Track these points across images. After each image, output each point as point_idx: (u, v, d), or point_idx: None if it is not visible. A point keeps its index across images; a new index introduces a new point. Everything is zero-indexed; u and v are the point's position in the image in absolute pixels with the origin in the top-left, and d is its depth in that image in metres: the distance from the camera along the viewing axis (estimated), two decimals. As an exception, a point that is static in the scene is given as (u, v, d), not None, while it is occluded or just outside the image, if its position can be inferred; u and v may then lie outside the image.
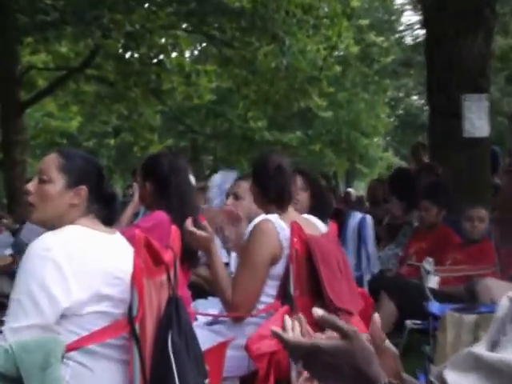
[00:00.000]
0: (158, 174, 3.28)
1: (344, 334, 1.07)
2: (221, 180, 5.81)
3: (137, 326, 1.93)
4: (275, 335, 1.12)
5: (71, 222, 2.13)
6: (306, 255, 2.82)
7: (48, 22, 8.40)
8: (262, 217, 2.80)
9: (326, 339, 1.10)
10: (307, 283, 2.83)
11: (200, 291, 3.78)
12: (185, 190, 3.28)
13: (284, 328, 1.15)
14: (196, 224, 2.80)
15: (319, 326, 1.12)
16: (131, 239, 2.06)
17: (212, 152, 20.98)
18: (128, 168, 17.49)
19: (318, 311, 1.09)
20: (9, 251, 5.24)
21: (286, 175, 2.89)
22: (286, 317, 1.19)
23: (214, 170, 24.01)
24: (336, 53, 14.55)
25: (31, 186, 2.16)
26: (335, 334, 1.09)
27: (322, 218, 3.32)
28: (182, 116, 16.65)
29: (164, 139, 18.06)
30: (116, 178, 21.82)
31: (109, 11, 7.86)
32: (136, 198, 3.63)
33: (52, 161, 2.16)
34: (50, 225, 2.13)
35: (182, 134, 19.54)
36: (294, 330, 1.15)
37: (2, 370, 1.72)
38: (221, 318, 2.91)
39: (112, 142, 20.55)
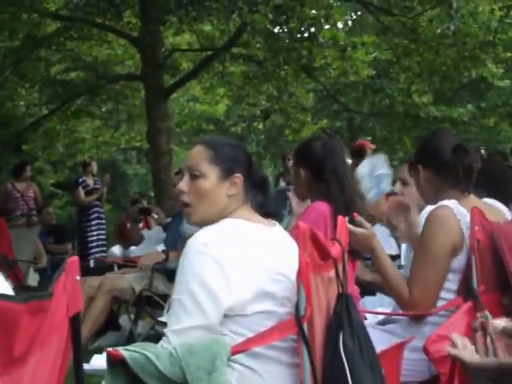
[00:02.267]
0: (312, 159, 3.28)
1: None
2: (369, 168, 5.72)
3: (305, 326, 1.93)
4: (452, 357, 1.03)
5: (228, 215, 2.16)
6: (490, 245, 2.71)
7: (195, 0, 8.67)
8: (439, 203, 2.71)
9: None
10: (493, 277, 2.72)
11: (366, 287, 3.75)
12: (343, 175, 3.26)
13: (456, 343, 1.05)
14: (351, 221, 2.75)
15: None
16: (295, 232, 2.06)
17: (371, 132, 20.72)
18: (279, 153, 17.71)
19: (499, 324, 0.98)
20: (161, 247, 5.46)
21: (468, 155, 2.77)
22: (455, 335, 1.09)
23: (374, 152, 23.80)
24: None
25: (183, 185, 2.20)
26: None
27: (506, 202, 3.17)
28: (336, 94, 16.56)
29: (317, 120, 18.06)
30: (266, 164, 22.17)
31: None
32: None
33: (199, 154, 2.19)
34: (213, 222, 2.14)
35: (336, 114, 19.46)
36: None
37: (168, 374, 1.78)
38: (394, 317, 2.86)
39: (261, 125, 20.90)
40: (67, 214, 18.84)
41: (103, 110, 17.01)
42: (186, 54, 14.48)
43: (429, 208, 2.72)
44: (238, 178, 2.17)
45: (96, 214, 9.99)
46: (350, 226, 2.62)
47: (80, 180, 10.25)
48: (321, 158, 3.27)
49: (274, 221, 2.25)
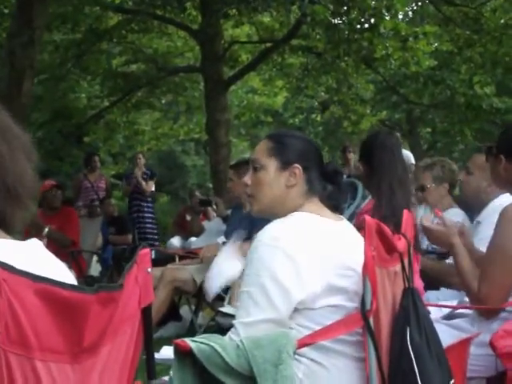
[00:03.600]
0: (368, 155, 3.30)
1: None
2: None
3: (371, 321, 1.92)
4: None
5: (294, 208, 2.17)
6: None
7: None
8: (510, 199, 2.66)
9: None
10: None
11: (430, 280, 3.70)
12: (394, 171, 3.24)
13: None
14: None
15: None
16: (361, 226, 2.05)
17: (430, 124, 20.46)
18: (337, 145, 17.64)
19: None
20: (222, 239, 5.48)
21: None
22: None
23: (433, 144, 23.42)
24: None
25: (247, 178, 2.26)
26: None
27: None
28: (396, 85, 16.38)
29: (376, 112, 17.91)
30: (324, 156, 22.11)
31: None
32: None
33: (262, 147, 2.25)
34: (272, 213, 2.19)
35: (396, 106, 19.26)
36: None
37: (235, 366, 1.79)
38: (459, 312, 2.83)
39: (319, 117, 20.83)
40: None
41: (163, 101, 17.19)
42: (245, 46, 14.52)
43: (503, 200, 2.67)
44: (297, 168, 2.18)
45: (136, 208, 10.16)
46: (428, 224, 2.63)
47: (127, 173, 10.67)
48: (372, 153, 3.28)
49: (340, 215, 2.25)
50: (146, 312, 1.45)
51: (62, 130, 15.46)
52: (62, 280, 1.22)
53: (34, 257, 1.29)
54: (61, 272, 1.34)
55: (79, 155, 15.63)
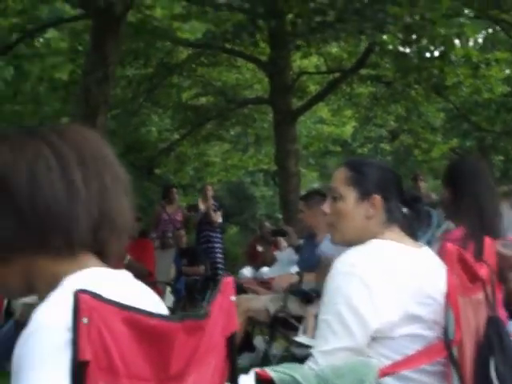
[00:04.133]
0: (454, 181, 3.25)
1: None
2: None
3: (454, 351, 1.89)
4: None
5: (373, 236, 2.15)
6: None
7: (325, 23, 8.70)
8: None
9: None
10: None
11: None
12: (483, 199, 3.18)
13: None
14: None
15: None
16: (442, 253, 2.02)
17: (503, 152, 20.04)
18: (407, 173, 17.41)
19: None
20: (294, 269, 5.48)
21: None
22: None
23: (506, 172, 22.94)
24: None
25: (326, 207, 2.25)
26: None
27: None
28: (467, 113, 16.16)
29: (447, 140, 17.68)
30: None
31: (391, 3, 7.89)
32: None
33: (340, 176, 2.23)
34: (353, 243, 2.17)
35: (467, 133, 18.96)
36: None
37: (315, 394, 1.78)
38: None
39: (388, 146, 20.69)
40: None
41: (232, 133, 17.38)
42: (313, 77, 14.60)
43: None
44: (377, 199, 2.16)
45: (205, 238, 10.26)
46: (505, 250, 2.58)
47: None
48: (461, 179, 3.23)
49: (420, 243, 2.22)
50: (230, 341, 1.45)
51: (135, 162, 15.75)
52: (155, 308, 1.25)
53: (129, 286, 1.32)
54: (153, 301, 1.37)
55: (151, 187, 15.89)
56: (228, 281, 1.52)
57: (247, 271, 9.24)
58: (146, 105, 14.71)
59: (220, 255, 10.36)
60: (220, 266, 10.22)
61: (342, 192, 2.20)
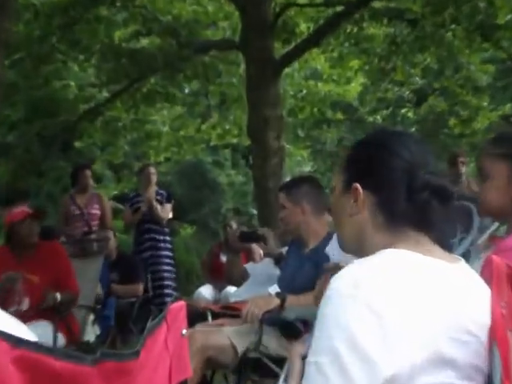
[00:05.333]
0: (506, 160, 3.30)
1: None
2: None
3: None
4: None
5: (377, 244, 2.17)
6: None
7: None
8: None
9: None
10: None
11: None
12: None
13: None
14: None
15: None
16: (486, 270, 2.04)
17: None
18: (440, 153, 17.49)
19: None
20: (274, 288, 5.51)
21: None
22: None
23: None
24: None
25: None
26: None
27: None
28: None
29: (497, 105, 17.81)
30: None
31: None
32: None
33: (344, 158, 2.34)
34: (354, 252, 2.24)
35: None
36: None
37: None
38: None
39: (411, 113, 20.80)
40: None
41: (186, 91, 17.32)
42: (304, 11, 14.56)
43: None
44: (357, 190, 2.21)
45: (149, 243, 10.30)
46: None
47: (132, 194, 10.87)
48: None
49: (455, 256, 2.23)
50: (180, 393, 1.47)
51: (43, 132, 15.66)
52: None
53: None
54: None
55: (67, 168, 15.83)
56: (178, 306, 1.53)
57: (206, 291, 9.28)
58: (60, 48, 14.59)
59: (168, 267, 10.37)
60: (167, 283, 10.24)
61: (334, 180, 2.28)
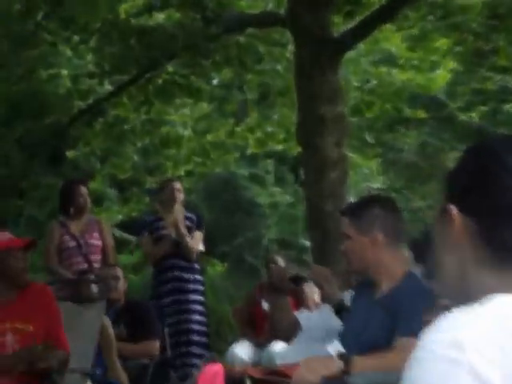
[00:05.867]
0: None
1: None
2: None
3: None
4: None
5: (482, 287, 2.17)
6: None
7: None
8: None
9: None
10: None
11: None
12: None
13: None
14: None
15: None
16: None
17: None
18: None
19: None
20: (335, 346, 5.53)
21: None
22: None
23: None
24: None
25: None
26: None
27: None
28: None
29: None
30: None
31: None
32: None
33: None
34: (455, 295, 2.23)
35: None
36: None
37: None
38: None
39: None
40: (147, 281, 19.24)
41: (215, 83, 17.36)
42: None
43: None
44: (451, 212, 2.21)
45: (172, 284, 10.34)
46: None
47: (149, 219, 10.80)
48: None
49: None
50: None
51: (25, 138, 15.75)
52: None
53: None
54: None
55: (56, 185, 15.88)
56: (212, 370, 1.54)
57: (242, 349, 9.26)
58: (49, 26, 14.70)
59: (198, 317, 10.31)
60: (196, 338, 10.18)
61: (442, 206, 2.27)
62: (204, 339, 10.35)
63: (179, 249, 10.20)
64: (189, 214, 10.44)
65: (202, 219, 10.73)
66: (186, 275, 10.29)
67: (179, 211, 10.19)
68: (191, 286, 10.32)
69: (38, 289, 7.07)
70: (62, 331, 6.94)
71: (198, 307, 10.35)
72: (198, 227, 10.41)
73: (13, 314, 6.58)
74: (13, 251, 6.73)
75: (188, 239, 10.14)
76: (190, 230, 10.27)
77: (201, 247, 10.42)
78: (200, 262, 10.69)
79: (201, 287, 10.53)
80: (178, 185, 10.51)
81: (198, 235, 10.37)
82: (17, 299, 6.78)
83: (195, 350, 9.90)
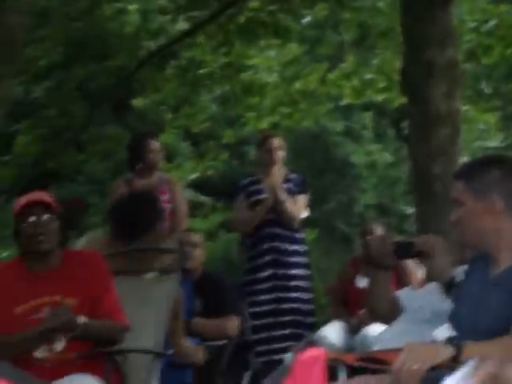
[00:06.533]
0: None
1: None
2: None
3: None
4: None
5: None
6: None
7: None
8: None
9: None
10: None
11: None
12: None
13: None
14: None
15: None
16: None
17: None
18: None
19: None
20: (443, 330, 5.54)
21: None
22: None
23: None
24: None
25: None
26: None
27: None
28: None
29: None
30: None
31: None
32: None
33: None
34: None
35: None
36: None
37: None
38: None
39: None
40: (224, 250, 19.32)
41: (305, 21, 17.36)
42: None
43: None
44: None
45: (270, 256, 10.39)
46: None
47: (246, 181, 10.80)
48: None
49: None
50: None
51: (87, 84, 15.86)
52: None
53: None
54: None
55: (122, 138, 15.99)
56: (312, 355, 1.57)
57: (334, 332, 9.28)
58: None
59: (301, 295, 10.32)
60: (298, 318, 10.20)
61: None
62: (310, 319, 10.46)
63: (279, 215, 10.22)
64: (291, 175, 10.51)
65: (306, 182, 10.76)
66: (287, 246, 10.36)
67: (277, 173, 10.18)
68: (292, 260, 10.38)
69: (86, 256, 6.93)
70: (116, 304, 6.78)
71: (301, 283, 10.40)
72: (302, 190, 10.47)
73: (52, 286, 6.50)
74: (26, 211, 6.47)
75: (288, 204, 10.17)
76: (292, 193, 10.30)
77: (305, 213, 10.44)
78: (303, 230, 10.69)
79: (304, 260, 10.58)
80: (276, 141, 10.50)
81: (302, 199, 10.42)
82: (58, 269, 6.68)
83: (296, 330, 9.91)
